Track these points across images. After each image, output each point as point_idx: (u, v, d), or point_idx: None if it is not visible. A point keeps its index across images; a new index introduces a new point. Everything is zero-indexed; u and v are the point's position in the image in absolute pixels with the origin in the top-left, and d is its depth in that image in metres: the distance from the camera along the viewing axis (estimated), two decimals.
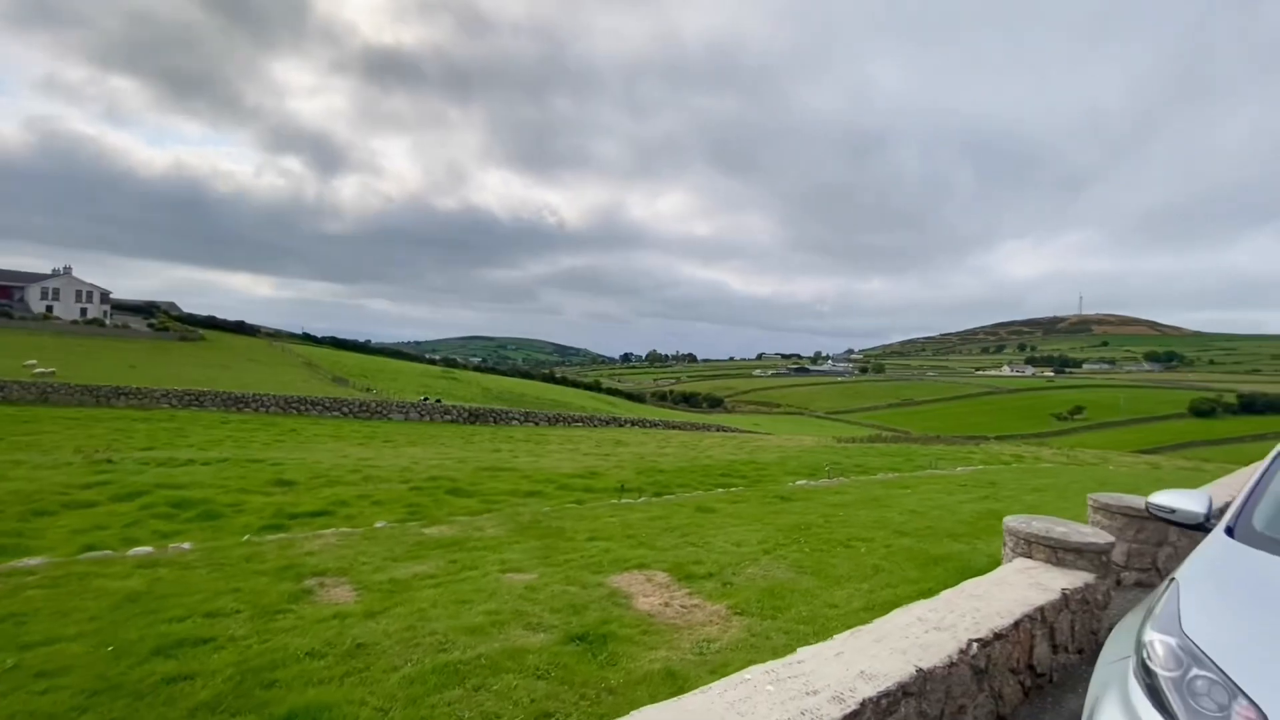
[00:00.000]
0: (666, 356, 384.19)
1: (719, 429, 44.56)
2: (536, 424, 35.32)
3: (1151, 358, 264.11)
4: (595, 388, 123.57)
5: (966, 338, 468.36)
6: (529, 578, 4.81)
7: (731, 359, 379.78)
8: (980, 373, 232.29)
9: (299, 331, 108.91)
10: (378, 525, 7.10)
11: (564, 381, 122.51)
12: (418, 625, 3.75)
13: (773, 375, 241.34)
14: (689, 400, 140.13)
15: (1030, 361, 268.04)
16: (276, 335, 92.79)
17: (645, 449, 20.64)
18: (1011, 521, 3.89)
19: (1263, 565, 2.03)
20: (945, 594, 3.04)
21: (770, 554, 5.57)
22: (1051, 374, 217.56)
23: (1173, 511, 2.65)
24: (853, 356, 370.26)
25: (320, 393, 37.61)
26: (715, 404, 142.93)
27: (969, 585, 3.20)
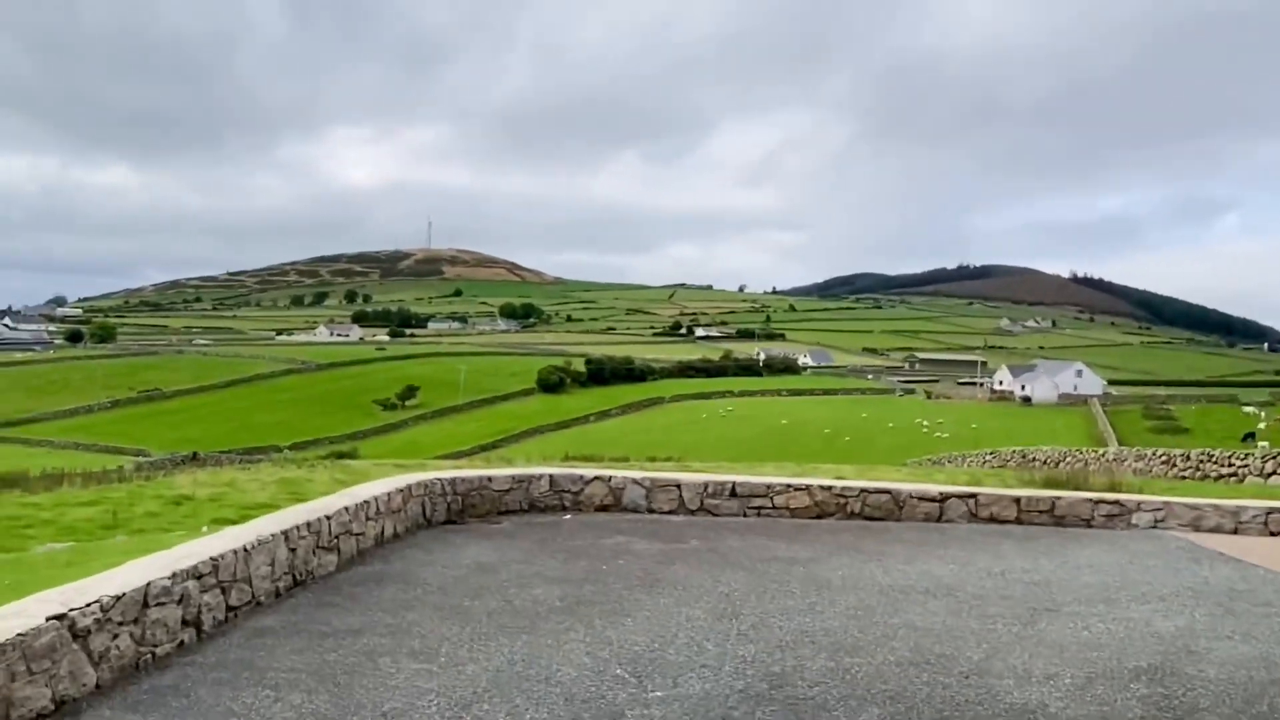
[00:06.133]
0: None
1: None
2: None
3: (508, 313, 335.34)
4: None
5: (271, 281, 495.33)
6: None
7: None
8: (284, 337, 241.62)
9: None
10: None
11: None
12: None
13: None
14: None
15: (360, 319, 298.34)
16: None
17: None
18: None
19: None
20: None
21: None
22: (386, 337, 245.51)
23: None
24: (63, 311, 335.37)
25: None
26: None
27: None
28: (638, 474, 13.07)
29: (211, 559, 7.18)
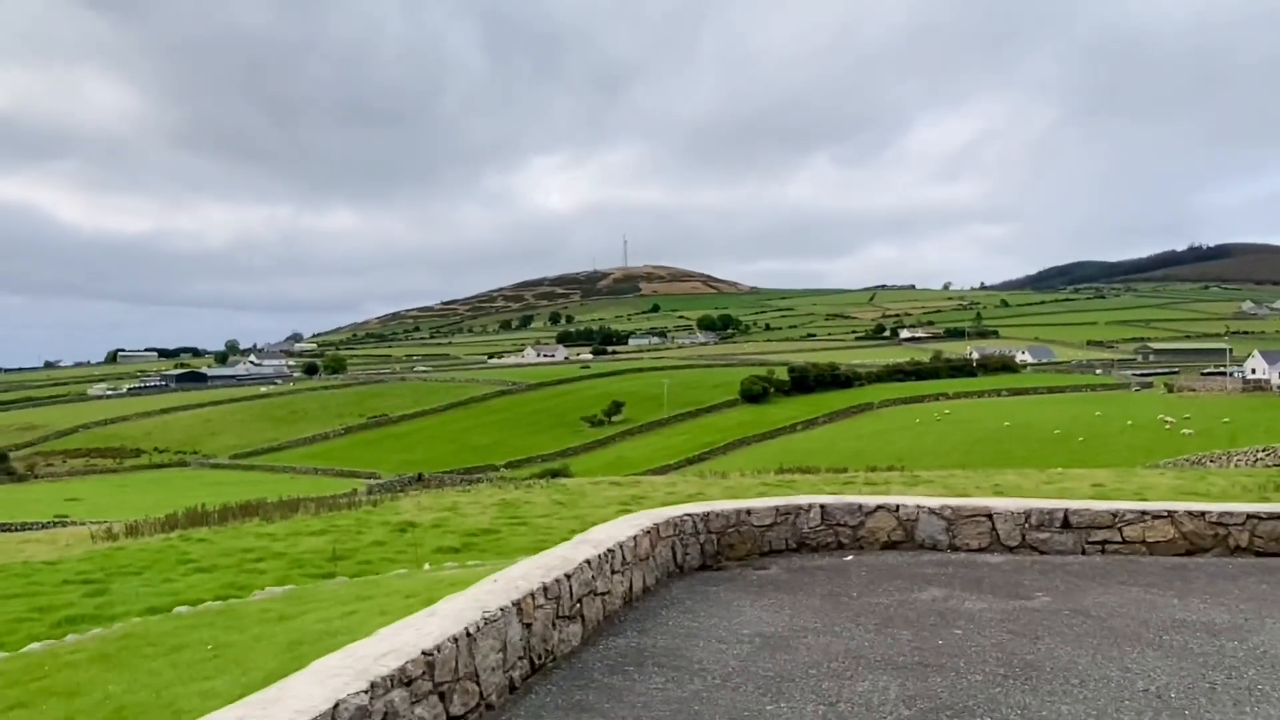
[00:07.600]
0: None
1: None
2: None
3: (706, 325, 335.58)
4: None
5: (481, 307, 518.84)
6: None
7: (50, 365, 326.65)
8: (495, 360, 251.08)
9: None
10: None
11: None
12: None
13: (131, 392, 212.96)
14: None
15: (564, 339, 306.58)
16: None
17: None
18: None
19: None
20: None
21: None
22: (589, 355, 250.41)
23: None
24: (300, 346, 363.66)
25: None
26: None
27: None
28: (933, 501, 10.40)
29: (424, 653, 5.16)
